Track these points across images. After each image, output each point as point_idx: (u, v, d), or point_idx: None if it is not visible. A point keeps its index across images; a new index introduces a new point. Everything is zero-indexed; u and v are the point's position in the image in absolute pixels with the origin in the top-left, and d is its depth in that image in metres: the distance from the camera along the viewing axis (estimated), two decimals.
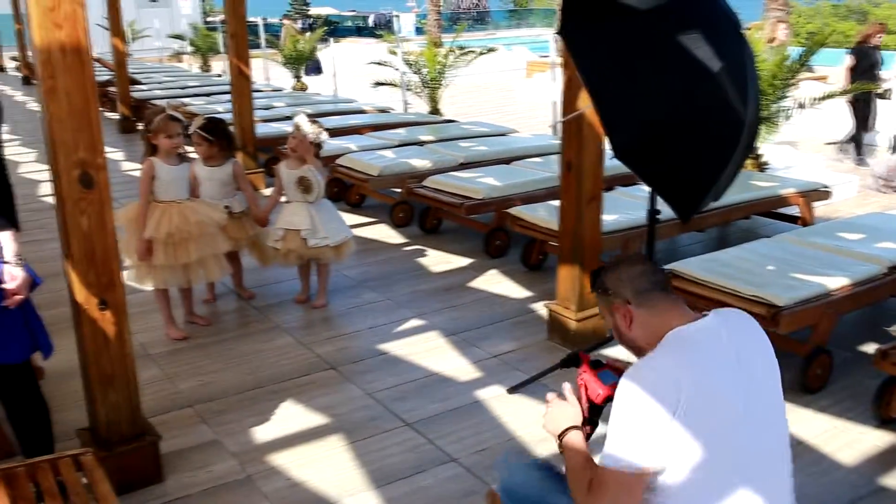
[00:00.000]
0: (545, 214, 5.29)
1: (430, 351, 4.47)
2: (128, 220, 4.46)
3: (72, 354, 4.22)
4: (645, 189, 5.92)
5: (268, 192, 7.17)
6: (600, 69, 2.98)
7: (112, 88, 12.51)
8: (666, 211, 3.56)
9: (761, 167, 7.99)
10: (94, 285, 3.03)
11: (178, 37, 24.61)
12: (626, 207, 5.46)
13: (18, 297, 2.82)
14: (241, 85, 7.91)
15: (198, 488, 3.27)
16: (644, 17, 2.93)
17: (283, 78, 17.39)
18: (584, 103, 3.97)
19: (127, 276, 4.26)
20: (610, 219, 5.04)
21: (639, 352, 2.06)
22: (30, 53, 18.13)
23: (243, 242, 5.04)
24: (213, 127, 4.85)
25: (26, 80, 19.81)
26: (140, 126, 4.89)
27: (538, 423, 3.67)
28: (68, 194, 2.93)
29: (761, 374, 1.98)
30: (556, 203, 5.41)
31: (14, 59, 22.52)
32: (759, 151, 7.86)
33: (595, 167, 4.21)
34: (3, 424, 3.32)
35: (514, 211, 5.55)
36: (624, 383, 1.91)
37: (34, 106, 15.73)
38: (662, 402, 1.82)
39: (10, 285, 2.79)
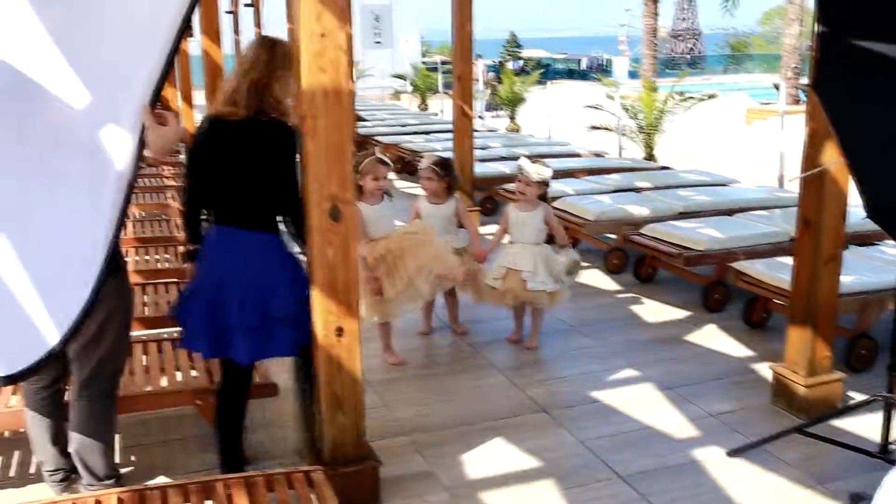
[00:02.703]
0: (773, 271, 5.05)
1: (644, 403, 4.36)
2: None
3: None
4: (888, 252, 5.53)
5: (486, 229, 7.33)
6: (858, 125, 2.82)
7: None
8: None
9: None
10: (333, 313, 3.21)
11: (400, 76, 25.84)
12: (862, 269, 5.10)
13: None
14: (464, 125, 8.17)
15: None
16: None
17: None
18: (830, 159, 3.77)
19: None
20: (845, 280, 4.71)
21: None
22: None
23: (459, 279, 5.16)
24: (445, 164, 5.04)
25: None
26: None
27: (761, 491, 3.50)
28: (318, 225, 3.14)
29: None
30: (786, 260, 5.16)
31: None
32: None
33: (836, 226, 3.97)
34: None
35: (738, 265, 5.33)
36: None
37: None
38: None
39: None
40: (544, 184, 4.99)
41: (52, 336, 2.51)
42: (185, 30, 2.53)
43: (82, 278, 2.51)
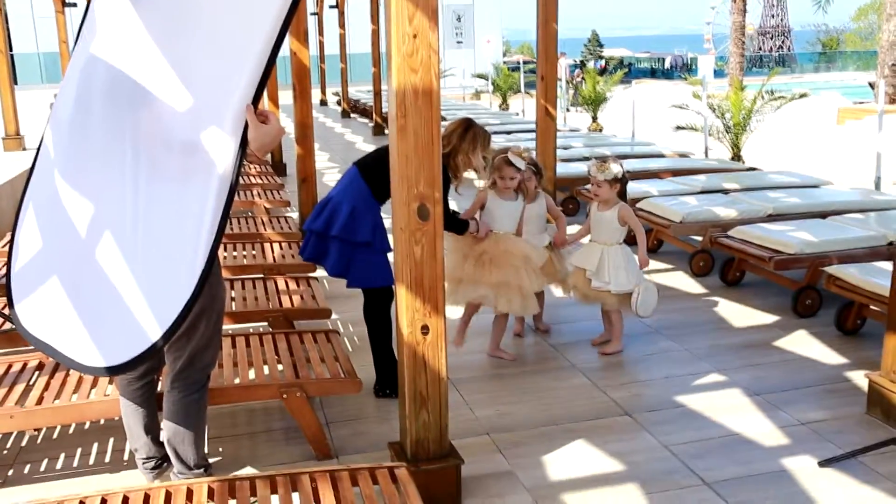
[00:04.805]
0: (870, 276, 4.87)
1: (730, 409, 4.26)
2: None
3: None
4: None
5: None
6: None
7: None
8: None
9: None
10: (419, 311, 3.23)
11: (482, 76, 25.88)
12: None
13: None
14: (547, 126, 8.12)
15: None
16: None
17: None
18: None
19: None
20: None
21: None
22: (350, 90, 20.02)
23: (554, 277, 5.14)
24: (535, 162, 5.00)
25: (345, 114, 21.81)
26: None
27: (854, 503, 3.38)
28: (406, 225, 3.16)
29: None
30: (883, 265, 4.99)
31: (336, 94, 24.89)
32: None
33: None
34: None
35: (832, 270, 5.16)
36: None
37: (350, 137, 17.26)
38: None
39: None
40: (616, 181, 4.89)
41: (154, 331, 2.59)
42: (285, 33, 2.58)
43: (185, 276, 2.58)
